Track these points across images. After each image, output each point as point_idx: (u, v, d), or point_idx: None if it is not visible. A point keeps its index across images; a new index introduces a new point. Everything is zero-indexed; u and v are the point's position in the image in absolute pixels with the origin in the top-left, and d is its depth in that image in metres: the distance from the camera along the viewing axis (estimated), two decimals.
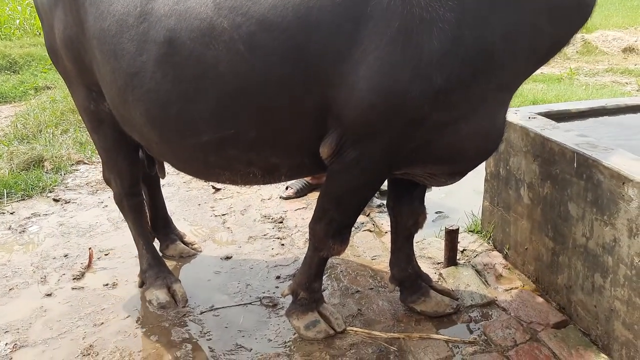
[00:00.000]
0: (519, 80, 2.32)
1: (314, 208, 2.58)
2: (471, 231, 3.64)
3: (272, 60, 2.09)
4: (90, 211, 4.34)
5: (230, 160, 2.45)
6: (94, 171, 5.14)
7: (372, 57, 1.99)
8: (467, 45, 1.97)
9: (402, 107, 2.05)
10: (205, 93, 2.23)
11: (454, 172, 2.48)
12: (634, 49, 10.48)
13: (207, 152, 2.44)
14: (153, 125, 2.43)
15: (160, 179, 3.48)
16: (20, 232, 4.01)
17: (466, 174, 2.52)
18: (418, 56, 1.96)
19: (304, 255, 2.77)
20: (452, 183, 2.57)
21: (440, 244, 3.42)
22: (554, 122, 2.93)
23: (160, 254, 3.44)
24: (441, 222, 3.94)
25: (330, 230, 2.50)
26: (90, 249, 3.62)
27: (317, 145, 2.29)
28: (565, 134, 2.71)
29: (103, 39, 2.36)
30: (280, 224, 4.05)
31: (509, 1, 1.99)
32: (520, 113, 3.08)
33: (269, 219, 4.14)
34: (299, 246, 3.68)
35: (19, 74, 8.81)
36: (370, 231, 3.83)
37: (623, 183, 2.24)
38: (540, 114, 3.05)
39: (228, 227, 4.03)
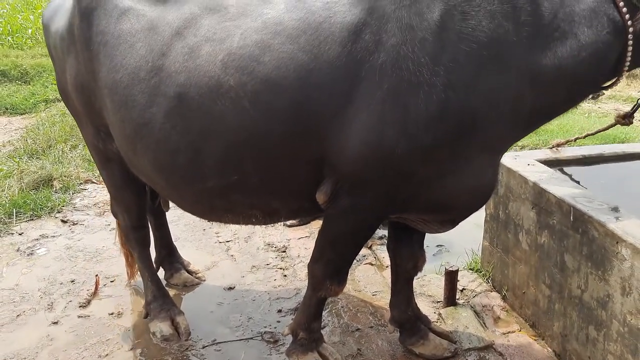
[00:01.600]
0: (506, 144, 2.43)
1: (316, 236, 2.65)
2: (471, 269, 3.69)
3: (275, 116, 2.21)
4: (97, 234, 4.42)
5: (233, 204, 2.56)
6: (102, 191, 5.23)
7: (364, 115, 2.12)
8: (452, 108, 2.08)
9: (390, 161, 2.17)
10: (212, 144, 2.33)
11: (445, 221, 2.60)
12: (637, 75, 10.39)
13: (212, 196, 2.54)
14: (160, 172, 2.52)
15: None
16: (28, 255, 4.09)
17: (458, 223, 2.62)
18: (405, 116, 2.09)
19: (306, 288, 2.83)
20: (444, 231, 2.67)
21: (440, 281, 3.46)
22: (552, 170, 2.99)
23: (165, 283, 3.52)
24: (442, 256, 4.00)
25: (328, 271, 2.60)
26: (97, 276, 3.69)
27: (315, 191, 2.41)
28: (562, 185, 2.77)
29: (115, 90, 2.45)
30: (284, 253, 4.11)
31: (492, 68, 2.09)
32: (520, 159, 3.14)
33: (272, 247, 4.20)
34: (301, 278, 3.74)
35: (30, 84, 8.93)
36: (372, 264, 3.88)
37: (617, 242, 2.29)
38: (539, 160, 3.11)
39: (232, 255, 4.10)
